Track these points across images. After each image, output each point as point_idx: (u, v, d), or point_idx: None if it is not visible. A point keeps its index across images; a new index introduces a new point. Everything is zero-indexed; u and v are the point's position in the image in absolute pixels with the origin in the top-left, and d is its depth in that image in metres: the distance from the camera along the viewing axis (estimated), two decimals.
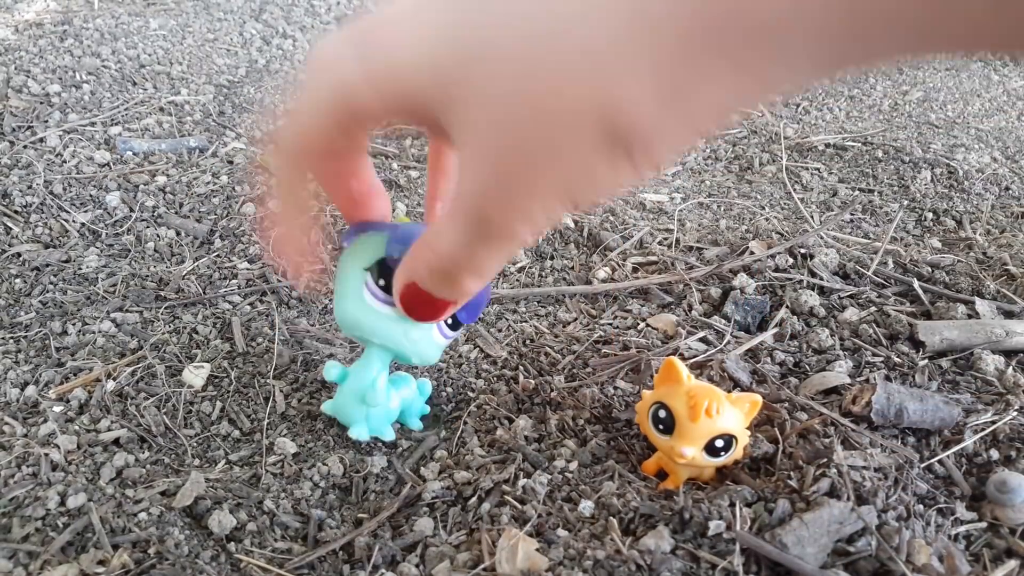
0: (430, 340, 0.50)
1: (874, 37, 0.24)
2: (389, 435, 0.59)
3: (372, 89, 0.33)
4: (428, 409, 0.62)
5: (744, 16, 0.25)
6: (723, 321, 0.71)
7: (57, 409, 0.61)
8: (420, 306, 0.42)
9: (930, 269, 0.80)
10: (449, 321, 0.51)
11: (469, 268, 0.37)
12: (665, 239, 0.88)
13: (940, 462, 0.56)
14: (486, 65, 0.29)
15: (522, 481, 0.53)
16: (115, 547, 0.50)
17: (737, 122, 1.24)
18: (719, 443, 0.51)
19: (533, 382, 0.64)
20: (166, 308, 0.74)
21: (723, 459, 0.52)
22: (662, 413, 0.51)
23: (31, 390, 0.63)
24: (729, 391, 0.62)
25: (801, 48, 0.25)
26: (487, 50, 0.29)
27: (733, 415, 0.51)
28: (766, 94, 0.27)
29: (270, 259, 0.49)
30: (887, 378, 0.64)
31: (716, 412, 0.50)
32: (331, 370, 0.57)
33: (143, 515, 0.52)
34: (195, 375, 0.65)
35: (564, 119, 0.28)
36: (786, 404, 0.60)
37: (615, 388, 0.63)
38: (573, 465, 0.55)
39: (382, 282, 0.47)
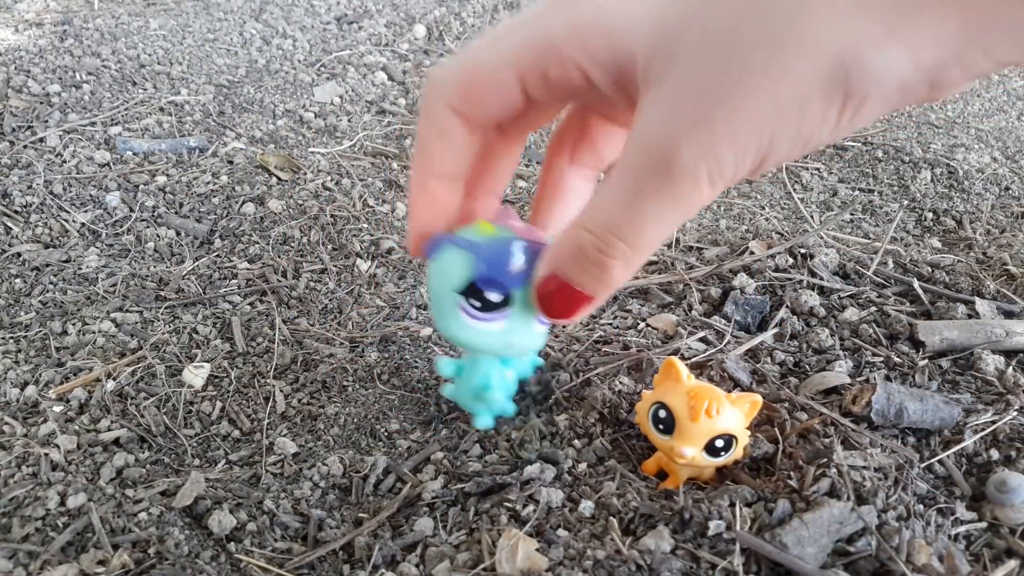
0: (532, 335, 0.49)
1: None
2: (510, 410, 0.59)
3: (577, 39, 0.32)
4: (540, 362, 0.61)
5: None
6: (723, 321, 0.71)
7: (57, 409, 0.61)
8: (559, 302, 0.38)
9: (930, 269, 0.80)
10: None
11: (628, 236, 0.33)
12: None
13: (940, 462, 0.56)
14: (713, 6, 0.29)
15: (534, 483, 0.53)
16: (115, 547, 0.50)
17: None
18: (719, 443, 0.50)
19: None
20: (166, 308, 0.74)
21: (723, 459, 0.52)
22: (662, 413, 0.51)
23: (31, 390, 0.63)
24: (729, 391, 0.62)
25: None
26: (711, 6, 0.29)
27: (733, 415, 0.51)
28: (985, 56, 0.27)
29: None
30: (887, 378, 0.64)
31: (716, 412, 0.50)
32: (446, 367, 0.57)
33: (143, 515, 0.52)
34: (195, 375, 0.65)
35: (798, 51, 0.27)
36: (786, 404, 0.60)
37: (622, 384, 0.63)
38: (582, 466, 0.55)
39: (476, 303, 0.45)
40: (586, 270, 0.36)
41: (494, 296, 0.44)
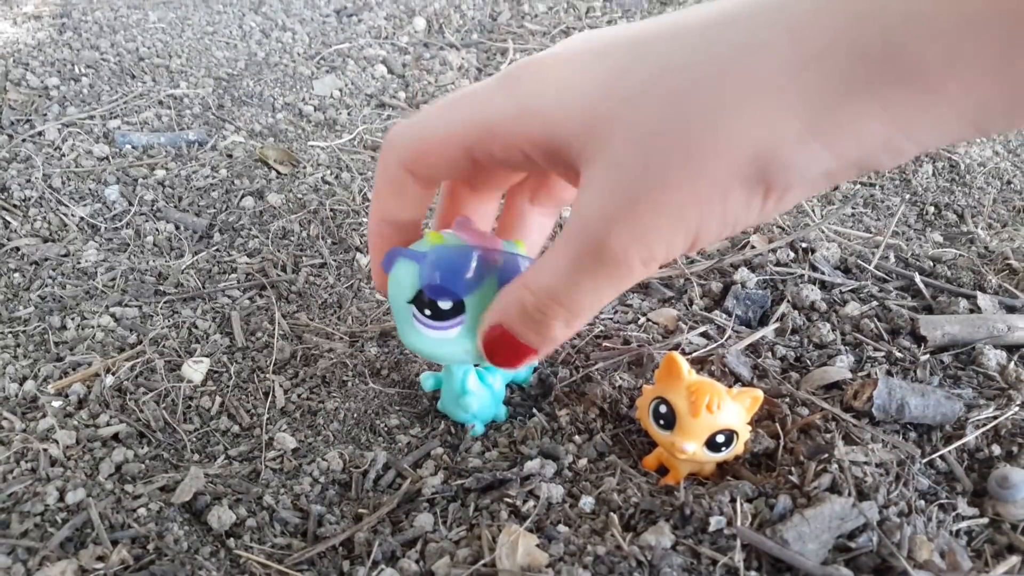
0: None
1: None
2: (502, 415, 0.61)
3: (517, 123, 0.34)
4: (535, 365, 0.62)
5: (899, 58, 0.25)
6: (724, 316, 0.71)
7: (56, 404, 0.61)
8: (502, 351, 0.41)
9: (932, 263, 0.80)
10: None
11: (567, 303, 0.36)
12: None
13: (942, 457, 0.56)
14: (638, 104, 0.31)
15: (535, 478, 0.53)
16: (114, 543, 0.49)
17: None
18: (720, 438, 0.50)
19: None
20: (165, 302, 0.73)
21: (724, 454, 0.51)
22: (663, 408, 0.51)
23: (30, 385, 0.63)
24: (730, 386, 0.61)
25: (954, 97, 0.26)
26: (641, 92, 0.31)
27: (734, 410, 0.50)
28: (912, 142, 0.28)
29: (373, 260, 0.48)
30: (888, 373, 0.64)
31: (717, 407, 0.49)
32: (426, 381, 0.61)
33: (142, 511, 0.52)
34: (194, 370, 0.65)
35: (714, 151, 0.29)
36: (787, 399, 0.60)
37: (622, 379, 0.62)
38: (582, 462, 0.55)
39: (428, 312, 0.46)
40: (529, 327, 0.39)
41: (444, 304, 0.45)
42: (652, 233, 0.31)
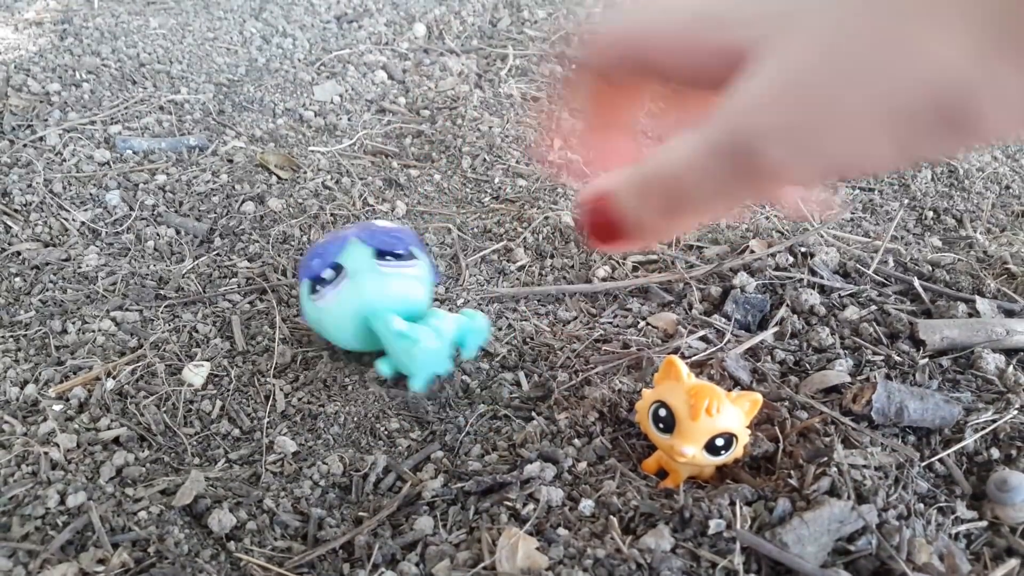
0: (380, 279, 0.64)
1: None
2: (445, 369, 0.65)
3: (693, 20, 0.31)
4: (486, 337, 0.66)
5: None
6: (723, 320, 0.71)
7: (57, 408, 0.61)
8: (595, 218, 0.36)
9: (931, 268, 0.80)
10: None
11: (686, 185, 0.31)
12: None
13: (941, 461, 0.56)
14: (827, 27, 0.27)
15: (534, 481, 0.53)
16: (115, 546, 0.50)
17: None
18: (719, 442, 0.50)
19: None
20: (166, 307, 0.74)
21: (723, 458, 0.52)
22: (662, 412, 0.51)
23: (31, 389, 0.63)
24: (729, 390, 0.62)
25: None
26: (833, 24, 0.27)
27: (733, 414, 0.50)
28: None
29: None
30: (887, 377, 0.64)
31: (716, 411, 0.49)
32: (381, 368, 0.64)
33: (143, 514, 0.52)
34: (195, 374, 0.65)
35: (904, 65, 0.26)
36: (786, 403, 0.60)
37: (622, 383, 0.63)
38: (582, 465, 0.55)
39: (319, 287, 0.63)
40: (634, 197, 0.34)
41: (326, 274, 0.62)
42: (808, 139, 0.28)
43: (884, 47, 0.26)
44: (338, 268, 0.63)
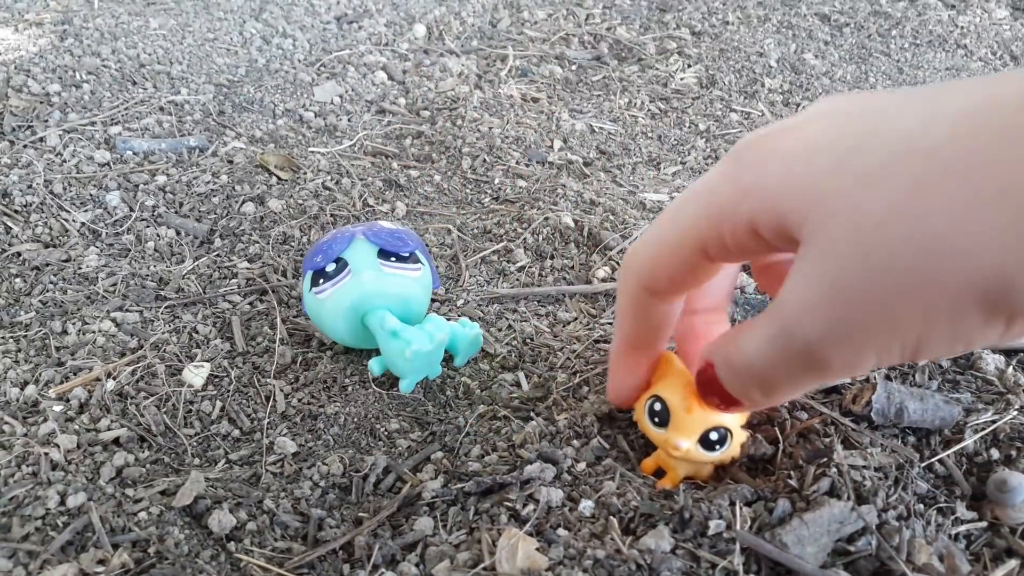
0: (382, 279, 0.64)
1: None
2: (435, 373, 0.65)
3: (740, 203, 0.31)
4: (480, 344, 0.68)
5: None
6: None
7: (57, 408, 0.61)
8: (710, 387, 0.39)
9: None
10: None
11: (762, 383, 0.34)
12: None
13: (940, 461, 0.56)
14: (870, 185, 0.26)
15: (535, 482, 0.53)
16: (115, 546, 0.50)
17: (737, 121, 1.24)
18: (714, 436, 0.50)
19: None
20: (166, 307, 0.74)
21: (719, 454, 0.51)
22: (657, 406, 0.51)
23: (31, 389, 0.63)
24: None
25: None
26: (877, 171, 0.26)
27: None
28: None
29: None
30: (887, 377, 0.64)
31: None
32: (374, 366, 0.65)
33: (143, 514, 0.52)
34: (195, 374, 0.65)
35: (950, 258, 0.25)
36: (786, 403, 0.60)
37: None
38: (581, 466, 0.55)
39: (322, 279, 0.64)
40: (732, 384, 0.37)
41: (329, 267, 0.63)
42: (859, 337, 0.27)
43: (920, 238, 0.25)
44: (341, 263, 0.63)
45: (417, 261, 0.66)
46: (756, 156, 0.31)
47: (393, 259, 0.64)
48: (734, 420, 0.51)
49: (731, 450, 0.52)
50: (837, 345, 0.28)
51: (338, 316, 0.63)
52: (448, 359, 0.67)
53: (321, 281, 0.64)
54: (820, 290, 0.28)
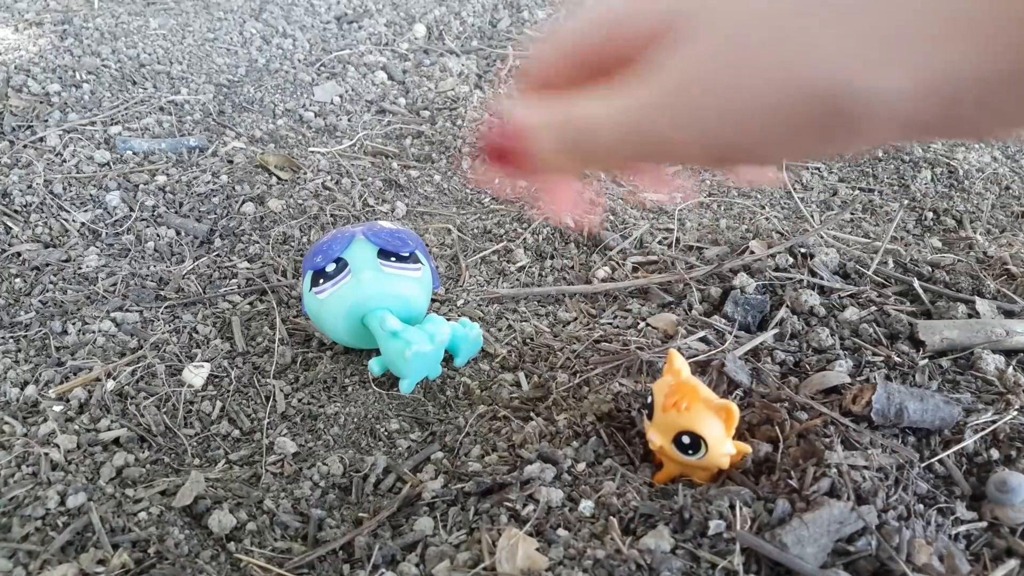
0: (382, 279, 0.64)
1: None
2: (434, 374, 0.65)
3: (632, 9, 0.33)
4: (480, 344, 0.68)
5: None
6: (723, 320, 0.71)
7: (57, 408, 0.61)
8: (506, 148, 0.38)
9: (930, 268, 0.80)
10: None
11: (600, 152, 0.34)
12: (665, 238, 0.88)
13: (940, 462, 0.56)
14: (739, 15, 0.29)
15: (535, 482, 0.53)
16: (115, 546, 0.50)
17: None
18: (685, 440, 0.51)
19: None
20: (166, 308, 0.74)
21: (694, 459, 0.51)
22: (648, 399, 0.54)
23: (31, 389, 0.63)
24: (729, 393, 0.62)
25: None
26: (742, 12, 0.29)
27: (703, 417, 0.50)
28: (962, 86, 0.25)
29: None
30: (887, 377, 0.64)
31: (684, 409, 0.50)
32: (373, 367, 0.65)
33: (143, 514, 0.52)
34: (195, 374, 0.65)
35: (788, 65, 0.27)
36: (786, 404, 0.60)
37: (621, 384, 0.63)
38: (581, 466, 0.55)
39: (321, 279, 0.64)
40: (551, 142, 0.36)
41: (329, 268, 0.63)
42: (710, 127, 0.30)
43: (778, 43, 0.27)
44: (341, 263, 0.64)
45: (417, 261, 0.66)
46: None
47: (393, 259, 0.64)
48: (709, 429, 0.50)
49: (712, 458, 0.51)
50: (679, 128, 0.30)
51: (338, 316, 0.63)
52: (448, 359, 0.67)
53: (321, 281, 0.64)
54: (682, 76, 0.30)
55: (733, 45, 0.29)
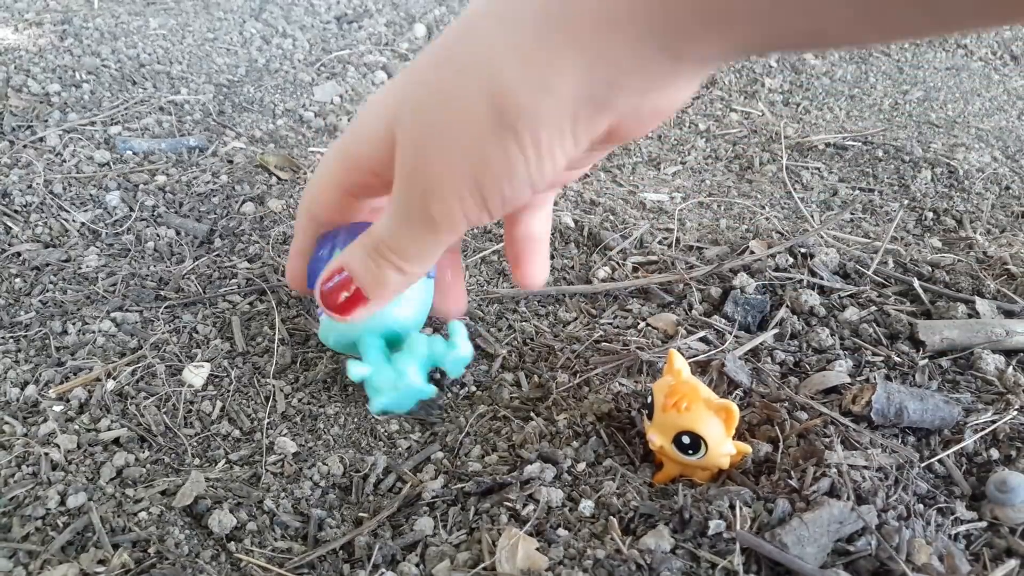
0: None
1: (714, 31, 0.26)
2: (428, 391, 0.60)
3: (362, 150, 0.39)
4: (471, 355, 0.63)
5: (581, 4, 0.28)
6: (723, 320, 0.71)
7: (57, 408, 0.61)
8: (336, 293, 0.44)
9: (930, 268, 0.80)
10: None
11: (396, 250, 0.39)
12: (665, 238, 0.88)
13: (940, 461, 0.56)
14: (412, 93, 0.34)
15: (535, 482, 0.53)
16: (115, 547, 0.50)
17: (737, 121, 1.24)
18: (685, 440, 0.51)
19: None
20: (166, 308, 0.74)
21: (695, 459, 0.52)
22: (649, 399, 0.54)
23: (31, 390, 0.63)
24: (729, 393, 0.62)
25: (642, 34, 0.27)
26: (413, 86, 0.34)
27: (703, 418, 0.50)
28: (625, 83, 0.29)
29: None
30: (887, 377, 0.64)
31: (683, 409, 0.50)
32: (352, 372, 0.59)
33: (143, 514, 0.52)
34: (195, 374, 0.65)
35: (461, 105, 0.31)
36: (786, 404, 0.60)
37: (621, 384, 0.63)
38: (581, 466, 0.55)
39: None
40: (367, 268, 0.42)
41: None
42: (442, 194, 0.34)
43: (449, 103, 0.32)
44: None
45: None
46: (363, 107, 0.39)
47: None
48: (709, 429, 0.51)
49: (712, 458, 0.51)
50: (430, 199, 0.34)
51: (327, 338, 0.60)
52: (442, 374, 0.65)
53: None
54: (409, 167, 0.35)
55: (412, 135, 0.34)
